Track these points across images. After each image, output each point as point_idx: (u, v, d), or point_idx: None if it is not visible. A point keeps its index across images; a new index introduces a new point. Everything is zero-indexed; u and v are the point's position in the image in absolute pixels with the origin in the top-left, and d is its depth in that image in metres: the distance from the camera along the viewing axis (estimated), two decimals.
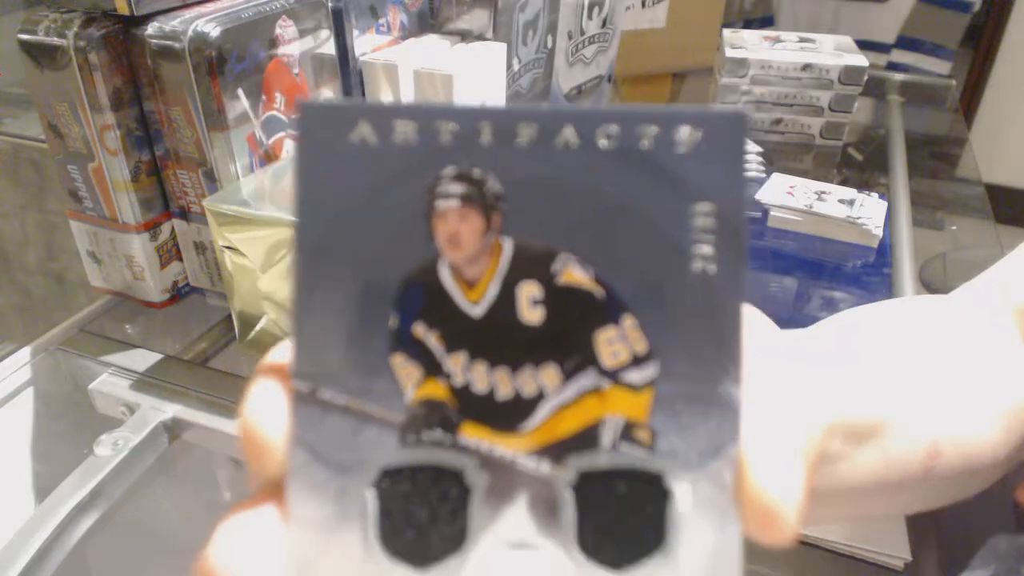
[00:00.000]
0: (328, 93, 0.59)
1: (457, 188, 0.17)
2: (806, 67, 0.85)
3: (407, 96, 0.62)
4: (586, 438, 0.17)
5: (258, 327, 0.50)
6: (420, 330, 0.17)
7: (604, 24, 0.80)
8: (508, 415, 0.17)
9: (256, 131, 0.53)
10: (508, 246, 0.17)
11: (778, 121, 0.89)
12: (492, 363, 0.17)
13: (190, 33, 0.47)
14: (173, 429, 0.52)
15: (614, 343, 0.17)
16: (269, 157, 0.54)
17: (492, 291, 0.17)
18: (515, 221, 0.17)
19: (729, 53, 0.87)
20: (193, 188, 0.53)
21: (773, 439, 0.17)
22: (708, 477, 0.17)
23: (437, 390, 0.17)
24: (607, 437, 0.17)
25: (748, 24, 2.05)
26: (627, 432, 0.17)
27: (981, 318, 0.35)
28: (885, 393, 0.29)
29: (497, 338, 0.17)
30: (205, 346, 0.57)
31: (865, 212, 0.68)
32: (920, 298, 0.42)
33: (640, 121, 0.16)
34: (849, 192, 0.71)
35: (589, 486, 0.17)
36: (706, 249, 0.16)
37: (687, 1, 1.01)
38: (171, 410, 0.52)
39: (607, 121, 0.16)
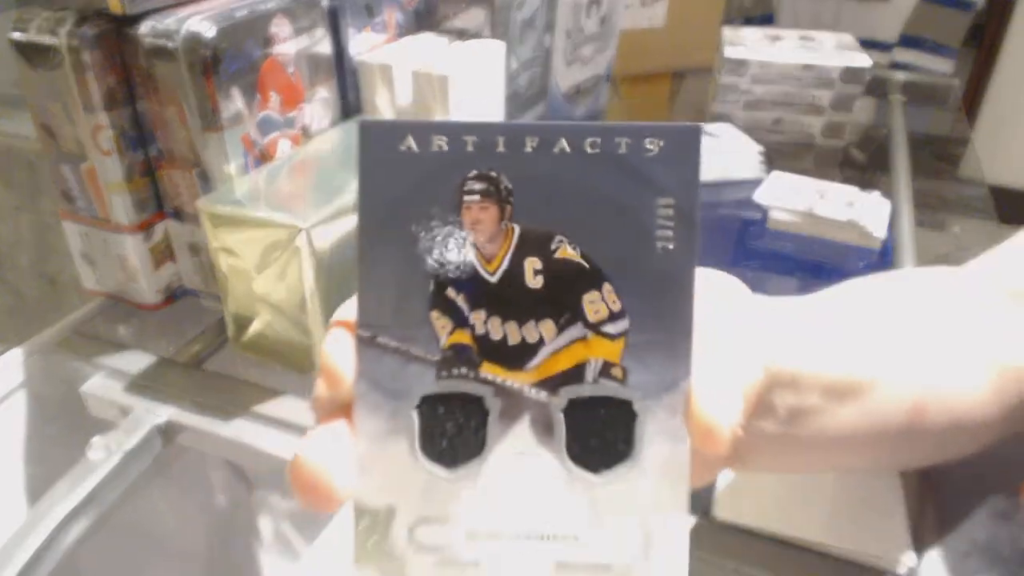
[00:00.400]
0: (324, 93, 0.59)
1: (479, 186, 0.22)
2: (807, 67, 0.85)
3: (403, 95, 0.62)
4: (574, 374, 0.22)
5: (252, 329, 0.50)
6: (451, 292, 0.22)
7: (603, 23, 0.80)
8: (516, 357, 0.22)
9: (251, 131, 0.52)
10: (517, 230, 0.22)
11: (778, 121, 0.88)
12: (504, 318, 0.22)
13: (184, 32, 0.47)
14: (167, 432, 0.51)
15: (596, 303, 0.22)
16: (264, 157, 0.54)
17: (505, 264, 0.22)
18: (523, 211, 0.22)
19: (729, 53, 0.86)
20: (187, 189, 0.53)
21: (715, 375, 0.22)
22: (666, 404, 0.22)
23: (464, 338, 0.22)
24: (590, 374, 0.22)
25: (748, 22, 2.05)
26: (605, 370, 0.22)
27: (973, 287, 0.36)
28: (864, 350, 0.31)
29: (508, 299, 0.22)
30: (199, 348, 0.56)
31: (866, 213, 0.67)
32: (915, 269, 0.42)
33: (616, 134, 0.22)
34: (850, 193, 0.71)
35: (576, 410, 0.22)
36: (667, 232, 0.22)
37: None
38: (165, 413, 0.51)
39: (592, 135, 0.22)
